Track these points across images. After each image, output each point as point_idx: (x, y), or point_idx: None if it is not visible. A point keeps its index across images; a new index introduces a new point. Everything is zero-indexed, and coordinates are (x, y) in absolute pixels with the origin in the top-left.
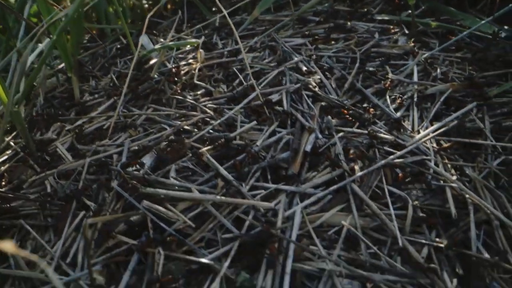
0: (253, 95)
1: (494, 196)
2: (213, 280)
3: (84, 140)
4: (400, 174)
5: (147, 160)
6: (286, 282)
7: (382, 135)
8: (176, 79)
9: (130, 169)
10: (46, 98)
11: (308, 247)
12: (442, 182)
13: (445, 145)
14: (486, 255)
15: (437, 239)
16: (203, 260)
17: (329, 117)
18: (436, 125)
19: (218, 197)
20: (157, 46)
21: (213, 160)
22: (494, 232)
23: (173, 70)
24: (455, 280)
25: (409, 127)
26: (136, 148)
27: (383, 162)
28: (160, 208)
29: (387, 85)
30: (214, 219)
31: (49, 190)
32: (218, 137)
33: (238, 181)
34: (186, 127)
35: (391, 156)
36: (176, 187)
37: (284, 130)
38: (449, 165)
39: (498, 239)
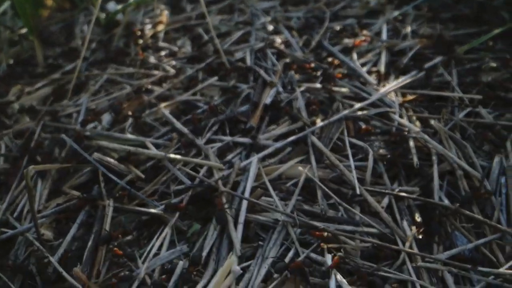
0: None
1: (459, 146)
2: (164, 231)
3: (44, 102)
4: (364, 127)
5: (106, 117)
6: (238, 231)
7: (344, 89)
8: (140, 41)
9: (88, 126)
10: (9, 64)
11: (261, 199)
12: (406, 133)
13: (410, 97)
14: (447, 203)
15: (398, 189)
16: (154, 211)
17: (292, 72)
18: (402, 79)
19: (168, 154)
20: (119, 7)
21: (169, 115)
22: (457, 182)
23: (138, 32)
24: (414, 228)
25: (375, 82)
26: (95, 107)
27: (343, 113)
28: (111, 160)
29: (355, 42)
30: (168, 172)
31: (3, 149)
32: (178, 93)
33: (195, 135)
34: (147, 85)
35: (352, 108)
36: (131, 142)
37: (245, 85)
38: (414, 117)
39: (462, 189)
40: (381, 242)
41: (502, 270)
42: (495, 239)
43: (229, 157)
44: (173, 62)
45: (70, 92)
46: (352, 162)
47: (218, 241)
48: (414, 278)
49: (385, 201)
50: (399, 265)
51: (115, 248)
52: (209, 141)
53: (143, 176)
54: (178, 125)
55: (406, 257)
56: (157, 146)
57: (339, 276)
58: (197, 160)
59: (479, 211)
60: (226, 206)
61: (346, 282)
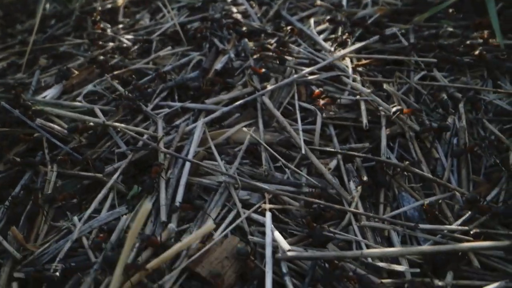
0: (170, 23)
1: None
2: (107, 195)
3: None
4: (316, 91)
5: (56, 87)
6: (179, 194)
7: (298, 55)
8: (99, 16)
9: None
10: None
11: (205, 162)
12: (358, 97)
13: (364, 61)
14: (395, 161)
15: (348, 147)
16: (96, 175)
17: (246, 40)
18: (357, 45)
19: (108, 122)
20: None
21: (117, 85)
22: (408, 144)
23: (98, 7)
24: (359, 188)
25: (331, 49)
26: (47, 78)
27: (294, 77)
28: (55, 126)
29: (313, 11)
30: (110, 138)
31: None
32: (131, 63)
33: (143, 101)
34: (101, 56)
35: (303, 72)
36: (79, 109)
37: (196, 52)
38: (368, 81)
39: (413, 150)
40: (327, 202)
41: (448, 227)
42: (444, 199)
43: (176, 122)
44: (130, 36)
45: (24, 66)
46: (300, 125)
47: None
48: (359, 238)
49: (333, 163)
50: (344, 225)
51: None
52: (157, 107)
53: (86, 141)
54: (125, 92)
55: (351, 217)
56: (105, 113)
57: (276, 233)
58: (134, 128)
59: (429, 171)
60: (162, 174)
61: (284, 241)
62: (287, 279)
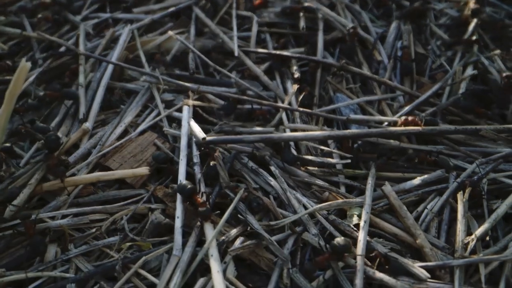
0: None
1: (355, 15)
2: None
3: None
4: (257, 1)
5: None
6: (98, 95)
7: None
8: None
9: None
10: None
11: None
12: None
13: None
14: (332, 61)
15: (282, 52)
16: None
17: None
18: None
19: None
20: None
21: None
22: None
23: None
24: (295, 86)
25: None
26: None
27: None
28: None
29: None
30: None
31: None
32: None
33: (69, 12)
34: None
35: None
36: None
37: None
38: None
39: (354, 54)
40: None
41: (381, 118)
42: (384, 99)
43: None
44: None
45: None
46: (235, 31)
47: (74, 108)
48: (289, 132)
49: (266, 64)
50: (276, 124)
51: None
52: (87, 18)
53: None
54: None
55: (283, 115)
56: (32, 24)
57: (193, 123)
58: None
59: (372, 73)
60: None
61: (200, 130)
62: (196, 169)
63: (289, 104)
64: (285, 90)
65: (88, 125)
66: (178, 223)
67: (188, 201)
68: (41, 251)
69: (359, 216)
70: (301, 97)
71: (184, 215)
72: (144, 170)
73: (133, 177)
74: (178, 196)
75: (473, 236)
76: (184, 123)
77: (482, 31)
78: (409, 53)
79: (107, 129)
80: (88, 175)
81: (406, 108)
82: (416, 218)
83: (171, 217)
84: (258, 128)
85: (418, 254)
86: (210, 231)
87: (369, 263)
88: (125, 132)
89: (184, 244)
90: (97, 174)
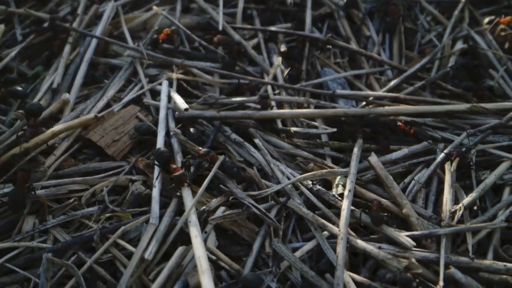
0: None
1: None
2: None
3: None
4: None
5: None
6: (81, 70)
7: None
8: None
9: None
10: None
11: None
12: None
13: None
14: (317, 35)
15: (267, 28)
16: None
17: None
18: None
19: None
20: None
21: None
22: (337, 24)
23: None
24: (279, 59)
25: None
26: None
27: None
28: None
29: None
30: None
31: None
32: None
33: None
34: None
35: None
36: None
37: None
38: None
39: (342, 28)
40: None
41: (369, 93)
42: (372, 73)
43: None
44: None
45: None
46: (221, 7)
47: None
48: (275, 110)
49: (254, 41)
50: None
51: None
52: None
53: None
54: None
55: (269, 87)
56: (16, 1)
57: (175, 95)
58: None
59: (359, 48)
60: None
61: (182, 101)
62: (174, 141)
63: (275, 76)
64: (272, 65)
65: (68, 96)
66: (155, 192)
67: (164, 169)
68: (19, 206)
69: (344, 186)
70: (287, 71)
71: (162, 184)
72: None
73: (79, 125)
74: (156, 166)
75: (460, 205)
76: (163, 96)
77: (473, 7)
78: (397, 10)
79: (89, 103)
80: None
81: (394, 81)
82: (403, 190)
83: (151, 188)
84: (241, 98)
85: (405, 225)
86: (189, 199)
87: (352, 233)
88: (107, 106)
89: (163, 214)
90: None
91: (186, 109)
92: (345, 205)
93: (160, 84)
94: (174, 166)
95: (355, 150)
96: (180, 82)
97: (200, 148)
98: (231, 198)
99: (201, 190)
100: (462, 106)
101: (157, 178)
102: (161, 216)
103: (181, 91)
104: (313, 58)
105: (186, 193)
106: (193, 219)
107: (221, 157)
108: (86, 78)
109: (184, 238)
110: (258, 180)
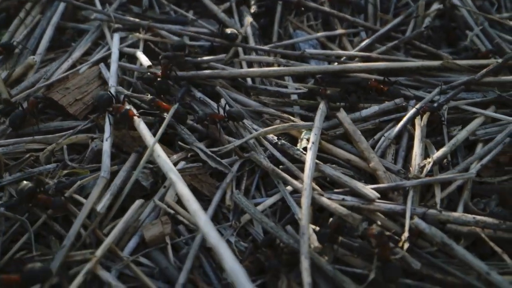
0: None
1: None
2: None
3: None
4: None
5: None
6: (47, 34)
7: None
8: None
9: None
10: None
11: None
12: None
13: None
14: None
15: None
16: None
17: None
18: None
19: None
20: None
21: None
22: None
23: None
24: (249, 19)
25: None
26: None
27: None
28: None
29: None
30: None
31: None
32: None
33: None
34: None
35: None
36: None
37: None
38: None
39: None
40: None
41: (339, 52)
42: (345, 34)
43: None
44: None
45: None
46: None
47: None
48: (245, 68)
49: (226, 4)
50: (230, 57)
51: None
52: None
53: None
54: None
55: (239, 50)
56: None
57: (139, 53)
58: None
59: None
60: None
61: (146, 58)
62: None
63: (245, 34)
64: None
65: (34, 58)
66: (106, 145)
67: (109, 112)
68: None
69: (309, 140)
70: (257, 31)
71: (123, 141)
72: None
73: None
74: (107, 120)
75: (429, 159)
76: (114, 50)
77: None
78: None
79: (54, 65)
80: None
81: (366, 41)
82: (373, 146)
83: (113, 145)
84: (209, 57)
85: (373, 180)
86: (145, 131)
87: (317, 187)
88: (73, 68)
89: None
90: None
91: (149, 66)
92: (308, 157)
93: (128, 46)
94: (117, 105)
95: (321, 105)
96: (148, 44)
97: (147, 95)
98: (189, 154)
99: (157, 136)
100: (435, 62)
101: (109, 134)
102: (118, 171)
103: (149, 53)
104: (286, 22)
105: (141, 125)
106: (161, 153)
107: (175, 105)
108: (52, 42)
109: (142, 194)
110: (221, 136)
